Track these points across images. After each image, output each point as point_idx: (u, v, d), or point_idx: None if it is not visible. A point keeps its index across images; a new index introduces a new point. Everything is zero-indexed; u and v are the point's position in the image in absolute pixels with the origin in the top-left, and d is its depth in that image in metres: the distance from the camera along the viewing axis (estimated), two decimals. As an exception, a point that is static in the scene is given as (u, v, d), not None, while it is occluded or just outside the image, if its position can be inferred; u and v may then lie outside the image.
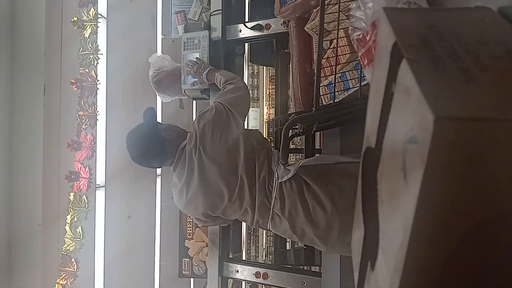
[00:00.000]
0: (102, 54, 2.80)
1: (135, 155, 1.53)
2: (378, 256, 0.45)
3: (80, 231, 2.73)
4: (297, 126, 1.20)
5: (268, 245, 5.13)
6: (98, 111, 2.83)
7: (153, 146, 1.53)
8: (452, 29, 0.43)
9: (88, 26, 2.75)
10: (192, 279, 3.96)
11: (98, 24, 2.80)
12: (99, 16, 2.85)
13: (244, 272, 2.05)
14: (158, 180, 3.97)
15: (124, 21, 3.39)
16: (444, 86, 0.35)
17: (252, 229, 4.71)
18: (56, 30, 2.78)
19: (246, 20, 2.21)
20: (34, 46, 2.65)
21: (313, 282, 1.83)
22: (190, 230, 3.56)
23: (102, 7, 3.07)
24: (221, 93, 1.66)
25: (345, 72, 1.27)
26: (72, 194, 2.74)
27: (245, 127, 1.69)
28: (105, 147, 3.14)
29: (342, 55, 1.23)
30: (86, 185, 2.76)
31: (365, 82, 1.11)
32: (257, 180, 1.46)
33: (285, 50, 2.15)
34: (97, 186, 3.03)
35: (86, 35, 2.75)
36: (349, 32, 0.83)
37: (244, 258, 3.65)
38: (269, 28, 1.98)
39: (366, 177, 0.54)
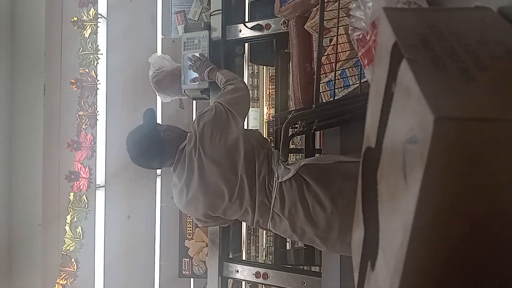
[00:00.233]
0: (102, 54, 2.80)
1: (135, 156, 1.54)
2: (378, 256, 0.45)
3: (80, 231, 2.73)
4: (297, 125, 1.20)
5: (268, 245, 5.14)
6: (98, 111, 2.83)
7: (153, 147, 1.53)
8: (452, 29, 0.43)
9: (88, 26, 2.75)
10: (192, 279, 3.96)
11: (98, 24, 2.80)
12: (99, 16, 2.85)
13: (244, 272, 2.05)
14: (158, 180, 3.97)
15: (124, 21, 3.39)
16: (444, 86, 0.35)
17: (252, 229, 4.71)
18: (56, 30, 2.78)
19: (246, 20, 2.21)
20: (34, 46, 2.65)
21: (313, 282, 1.83)
22: (190, 230, 3.56)
23: (102, 7, 3.07)
24: (221, 93, 1.67)
25: (345, 69, 1.27)
26: (72, 194, 2.74)
27: (245, 127, 1.69)
28: (105, 147, 3.14)
29: (342, 52, 1.23)
30: (86, 185, 2.76)
31: (365, 79, 1.11)
32: (257, 179, 1.46)
33: (285, 50, 2.15)
34: (97, 186, 3.03)
35: (86, 35, 2.75)
36: (349, 32, 0.83)
37: (244, 258, 3.65)
38: (269, 28, 1.98)
39: (366, 177, 0.54)
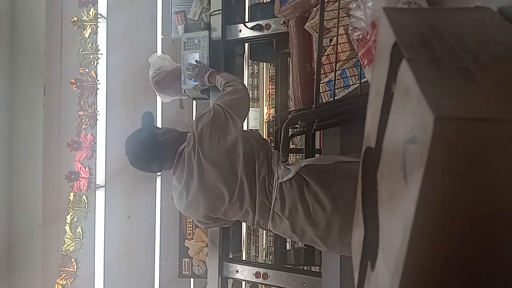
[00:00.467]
0: (102, 54, 2.80)
1: (134, 160, 1.54)
2: (378, 256, 0.45)
3: (80, 231, 2.73)
4: (297, 125, 1.20)
5: (268, 245, 5.13)
6: (98, 111, 2.83)
7: (152, 151, 1.53)
8: (452, 29, 0.43)
9: (88, 26, 2.75)
10: (192, 279, 3.97)
11: (98, 24, 2.80)
12: (99, 16, 2.85)
13: (244, 272, 2.05)
14: (158, 180, 3.97)
15: (124, 21, 3.39)
16: (444, 86, 0.35)
17: (252, 229, 4.71)
18: (56, 30, 2.78)
19: (246, 20, 2.21)
20: (34, 46, 2.65)
21: (313, 282, 1.83)
22: (190, 230, 3.56)
23: (102, 7, 3.07)
24: (220, 95, 1.67)
25: (345, 69, 1.27)
26: (72, 194, 2.74)
27: (245, 127, 1.69)
28: (105, 147, 3.14)
29: (342, 52, 1.23)
30: (86, 185, 2.76)
31: (365, 79, 1.11)
32: (257, 180, 1.46)
33: (285, 50, 2.15)
34: (97, 186, 3.03)
35: (86, 35, 2.75)
36: (349, 32, 0.83)
37: (244, 258, 3.65)
38: (269, 28, 1.98)
39: (366, 177, 0.54)
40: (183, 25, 2.39)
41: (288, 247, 3.36)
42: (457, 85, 0.35)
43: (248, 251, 4.73)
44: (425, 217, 0.34)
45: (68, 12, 2.79)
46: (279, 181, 1.44)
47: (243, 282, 2.57)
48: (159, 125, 3.53)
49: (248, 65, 4.72)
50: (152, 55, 2.19)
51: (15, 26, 2.63)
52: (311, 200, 1.40)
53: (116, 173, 3.26)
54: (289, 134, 1.34)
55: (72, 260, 2.71)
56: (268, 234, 4.93)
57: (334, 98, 1.23)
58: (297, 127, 1.23)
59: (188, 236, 3.57)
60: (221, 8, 2.08)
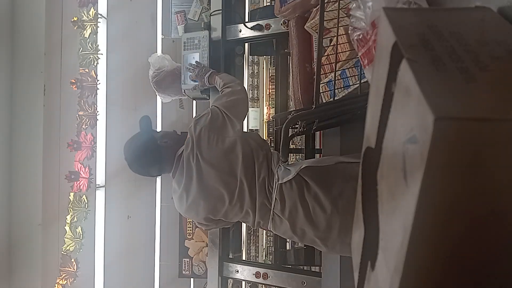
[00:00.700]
0: (102, 54, 2.81)
1: (133, 165, 1.54)
2: (378, 256, 0.45)
3: (80, 231, 2.73)
4: (297, 125, 1.20)
5: (268, 245, 5.13)
6: (98, 111, 2.83)
7: (150, 155, 1.53)
8: (452, 29, 0.43)
9: (88, 26, 2.76)
10: (192, 279, 3.96)
11: (98, 24, 2.81)
12: (99, 16, 2.85)
13: (244, 272, 2.05)
14: (158, 180, 3.97)
15: (124, 21, 3.39)
16: (444, 86, 0.35)
17: (252, 229, 4.71)
18: (56, 30, 2.78)
19: (246, 20, 2.21)
20: (34, 46, 2.66)
21: (313, 282, 1.83)
22: (190, 230, 3.56)
23: (102, 7, 3.07)
24: (218, 96, 1.67)
25: (345, 69, 1.27)
26: (72, 194, 2.74)
27: (245, 128, 1.69)
28: (105, 147, 3.14)
29: (342, 52, 1.23)
30: (86, 185, 2.76)
31: (365, 80, 1.11)
32: (257, 181, 1.46)
33: (285, 50, 2.15)
34: (97, 186, 3.03)
35: (86, 35, 2.75)
36: (349, 32, 0.83)
37: (244, 258, 3.65)
38: (269, 28, 1.98)
39: (366, 177, 0.53)
40: (183, 25, 2.39)
41: (288, 247, 3.36)
42: (457, 85, 0.35)
43: (248, 251, 4.73)
44: (425, 217, 0.34)
45: (68, 12, 2.79)
46: (279, 182, 1.44)
47: (243, 282, 2.57)
48: (158, 125, 3.54)
49: (248, 65, 4.71)
50: (152, 55, 2.19)
51: (15, 26, 2.63)
52: (311, 201, 1.39)
53: (116, 173, 3.26)
54: (289, 134, 1.34)
55: (72, 260, 2.71)
56: (268, 234, 4.93)
57: (334, 98, 1.23)
58: (297, 127, 1.23)
59: (188, 236, 3.56)
60: (221, 8, 2.08)
